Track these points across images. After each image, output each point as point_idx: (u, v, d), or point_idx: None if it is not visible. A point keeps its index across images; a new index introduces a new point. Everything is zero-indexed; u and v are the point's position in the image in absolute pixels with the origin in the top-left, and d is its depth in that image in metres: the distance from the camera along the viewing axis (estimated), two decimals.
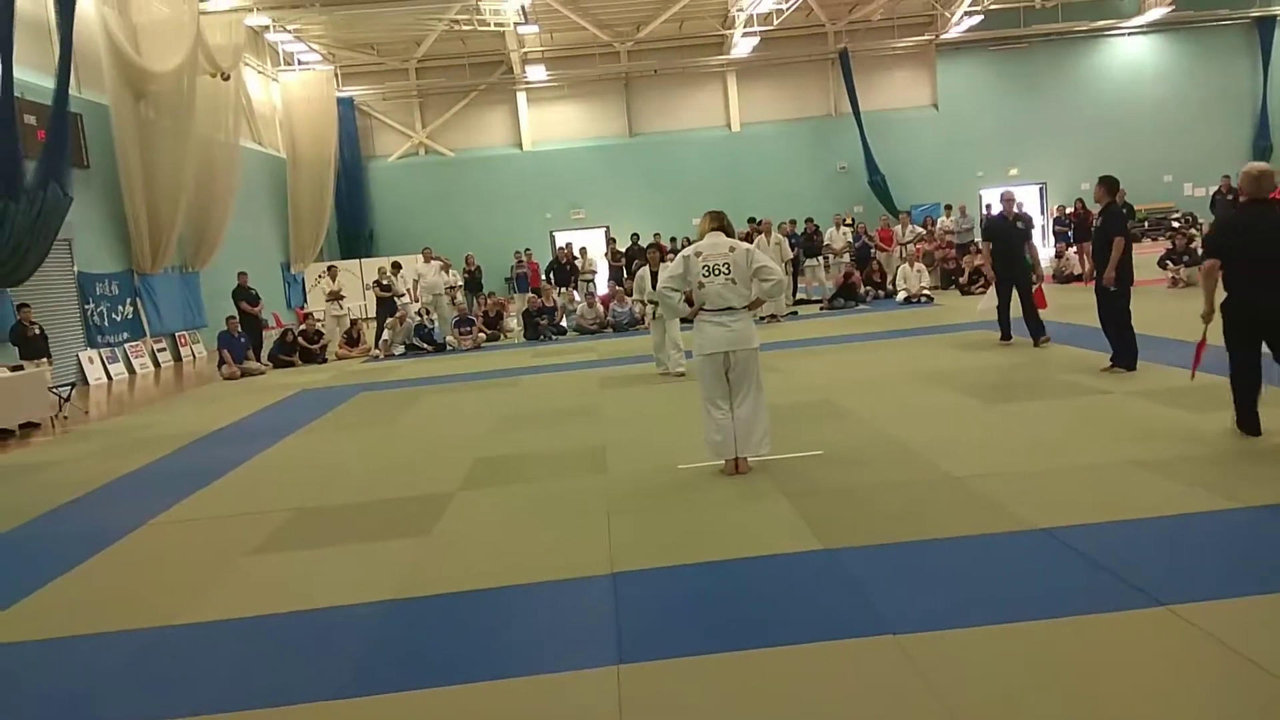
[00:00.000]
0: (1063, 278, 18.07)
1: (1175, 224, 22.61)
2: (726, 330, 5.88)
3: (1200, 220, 22.39)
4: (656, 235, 21.40)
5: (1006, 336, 10.64)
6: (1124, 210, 9.65)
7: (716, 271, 5.88)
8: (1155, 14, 26.58)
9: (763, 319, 13.61)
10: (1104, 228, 8.40)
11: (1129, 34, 27.97)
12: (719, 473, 6.04)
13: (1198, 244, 17.48)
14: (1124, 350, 8.37)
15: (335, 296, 18.21)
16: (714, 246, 5.97)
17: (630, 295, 18.11)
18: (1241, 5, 27.56)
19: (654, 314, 10.68)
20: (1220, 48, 28.02)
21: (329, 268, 19.38)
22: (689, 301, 6.10)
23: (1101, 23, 27.47)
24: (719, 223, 6.14)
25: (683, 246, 10.88)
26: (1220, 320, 5.70)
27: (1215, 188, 19.67)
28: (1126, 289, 8.30)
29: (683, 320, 8.41)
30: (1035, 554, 4.26)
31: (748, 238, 15.03)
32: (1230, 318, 5.64)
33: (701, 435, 6.12)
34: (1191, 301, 12.99)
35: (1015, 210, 10.83)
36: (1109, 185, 8.48)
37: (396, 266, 18.38)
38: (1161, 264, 15.80)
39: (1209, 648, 3.26)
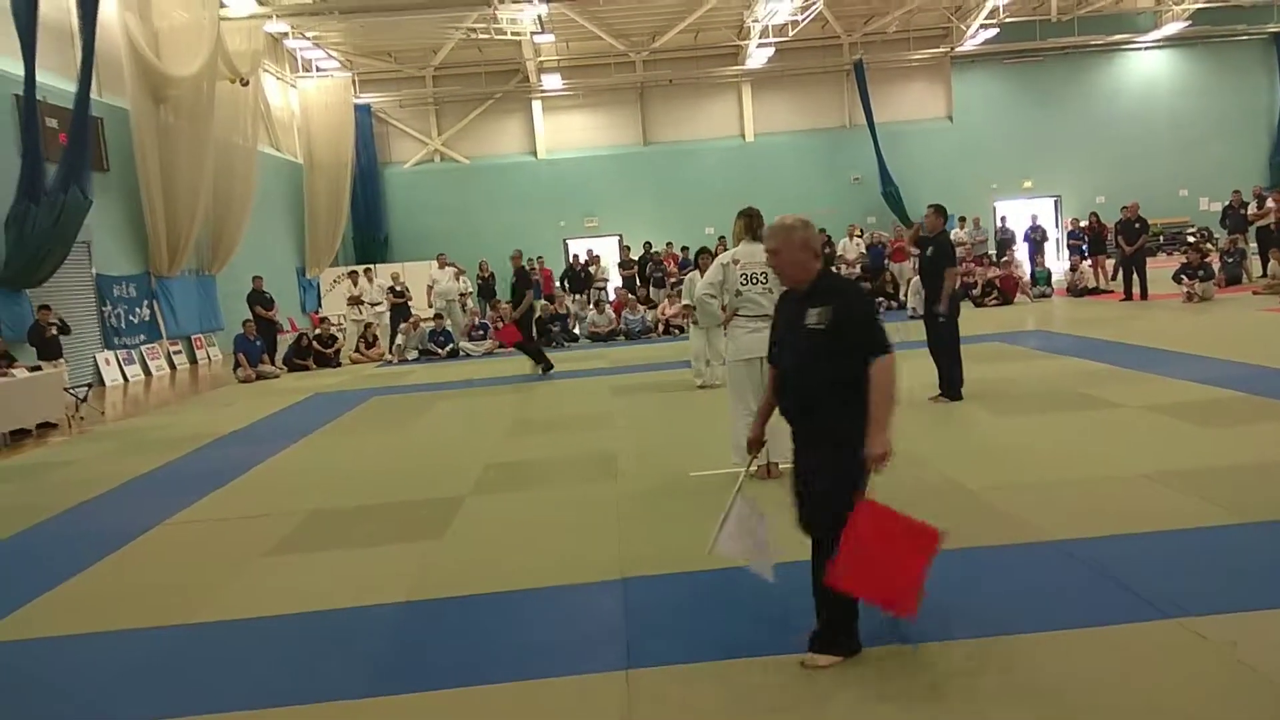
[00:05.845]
0: (1077, 291, 18.08)
1: (1191, 238, 22.51)
2: (762, 336, 5.91)
3: (1216, 235, 22.27)
4: (669, 244, 21.59)
5: None
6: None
7: (754, 279, 5.93)
8: (1172, 29, 26.49)
9: None
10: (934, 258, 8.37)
11: (1145, 48, 27.90)
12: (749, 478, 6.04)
13: (1213, 259, 17.44)
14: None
15: (356, 301, 18.34)
16: (751, 255, 5.97)
17: (641, 304, 18.21)
18: (1259, 21, 27.45)
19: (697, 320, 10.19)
20: (1237, 63, 27.92)
21: (350, 272, 19.55)
22: (723, 308, 6.16)
23: (1117, 37, 27.39)
24: (751, 225, 6.12)
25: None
26: None
27: (1226, 203, 19.60)
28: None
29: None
30: (1045, 566, 4.27)
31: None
32: None
33: (730, 440, 6.12)
34: (1206, 315, 12.86)
35: None
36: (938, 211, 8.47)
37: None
38: (1176, 278, 15.74)
39: (1218, 661, 3.26)
